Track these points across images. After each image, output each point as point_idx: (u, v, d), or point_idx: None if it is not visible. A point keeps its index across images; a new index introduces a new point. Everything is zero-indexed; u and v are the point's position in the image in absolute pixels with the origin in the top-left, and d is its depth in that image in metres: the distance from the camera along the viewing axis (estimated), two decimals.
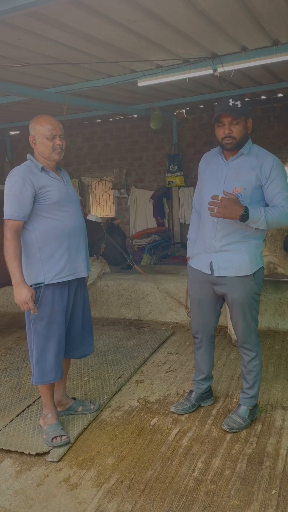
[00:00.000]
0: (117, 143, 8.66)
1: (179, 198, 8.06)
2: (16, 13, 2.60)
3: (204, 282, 2.55)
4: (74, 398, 2.86)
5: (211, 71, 4.11)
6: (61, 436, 2.50)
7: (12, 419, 2.80)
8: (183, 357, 3.67)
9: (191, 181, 7.92)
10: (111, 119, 8.50)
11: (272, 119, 7.34)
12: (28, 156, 2.49)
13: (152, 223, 8.42)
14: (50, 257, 2.42)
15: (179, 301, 4.51)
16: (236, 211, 2.22)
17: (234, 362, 3.49)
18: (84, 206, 9.00)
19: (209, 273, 2.49)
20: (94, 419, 2.76)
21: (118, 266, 4.75)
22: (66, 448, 2.47)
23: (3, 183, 2.47)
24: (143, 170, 8.56)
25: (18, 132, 9.13)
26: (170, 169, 7.85)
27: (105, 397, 3.03)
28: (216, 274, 2.46)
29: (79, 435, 2.61)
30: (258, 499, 2.04)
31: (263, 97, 7.19)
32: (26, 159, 2.48)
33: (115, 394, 3.08)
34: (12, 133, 9.26)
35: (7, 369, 3.61)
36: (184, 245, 7.63)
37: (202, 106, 7.54)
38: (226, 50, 3.95)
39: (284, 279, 4.35)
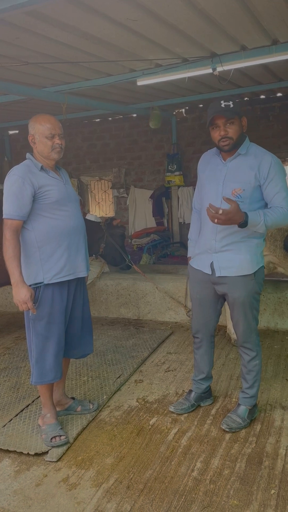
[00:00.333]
0: (116, 142, 8.65)
1: (178, 198, 8.05)
2: (15, 11, 2.58)
3: (205, 282, 2.55)
4: (73, 398, 2.86)
5: (210, 71, 4.10)
6: (60, 436, 2.50)
7: (11, 419, 2.79)
8: (182, 356, 3.66)
9: (190, 180, 7.91)
10: (110, 119, 8.49)
11: (272, 119, 7.34)
12: (27, 155, 2.48)
13: (151, 223, 8.41)
14: (49, 257, 2.41)
15: (178, 300, 4.51)
16: (236, 221, 2.22)
17: (233, 361, 3.48)
18: (83, 206, 8.99)
19: (210, 273, 2.49)
20: (93, 419, 2.76)
21: (117, 266, 4.74)
22: (65, 448, 2.47)
23: (2, 183, 2.46)
24: (142, 169, 8.55)
25: (17, 131, 9.12)
26: (169, 168, 7.84)
27: (104, 396, 3.02)
28: (217, 274, 2.46)
29: (78, 435, 2.60)
30: (257, 499, 2.03)
31: (262, 96, 7.19)
32: (25, 159, 2.47)
33: (114, 393, 3.08)
34: (11, 132, 9.25)
35: (6, 369, 3.61)
36: (183, 245, 7.63)
37: (201, 105, 7.54)
38: (226, 49, 3.94)
39: (284, 279, 4.35)
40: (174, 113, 7.87)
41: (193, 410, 2.79)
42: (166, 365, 3.53)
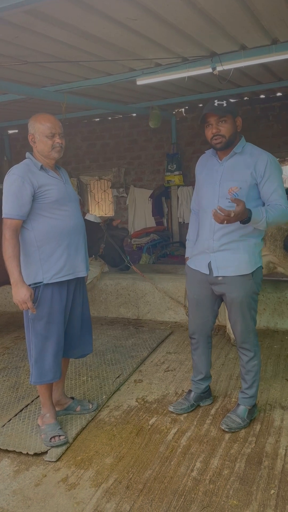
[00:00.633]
0: (116, 142, 8.64)
1: (178, 197, 8.05)
2: (14, 10, 2.58)
3: (202, 283, 2.55)
4: (72, 398, 2.86)
5: (210, 70, 4.09)
6: (59, 435, 2.50)
7: (10, 419, 2.79)
8: (181, 356, 3.66)
9: (190, 180, 7.91)
10: (110, 118, 8.49)
11: (271, 118, 7.33)
12: (27, 154, 2.47)
13: (151, 222, 8.41)
14: (49, 257, 2.41)
15: (178, 300, 4.50)
16: (242, 218, 2.20)
17: (232, 361, 3.48)
18: (83, 205, 8.98)
19: (208, 273, 2.48)
20: (92, 419, 2.76)
21: (116, 267, 4.72)
22: (64, 448, 2.47)
23: (1, 182, 2.46)
24: (142, 169, 8.55)
25: (16, 130, 9.11)
26: (169, 168, 7.84)
27: (104, 396, 3.02)
28: (215, 274, 2.45)
29: (78, 434, 2.60)
30: (257, 499, 2.03)
31: (262, 96, 7.19)
32: (24, 158, 2.47)
33: (113, 393, 3.08)
34: (10, 131, 9.24)
35: (5, 369, 3.60)
36: (182, 244, 7.62)
37: (201, 105, 7.52)
38: (225, 49, 3.93)
39: (283, 279, 4.35)
40: (174, 112, 7.87)
41: (192, 410, 2.79)
42: (166, 365, 3.52)
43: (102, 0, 2.72)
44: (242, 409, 2.61)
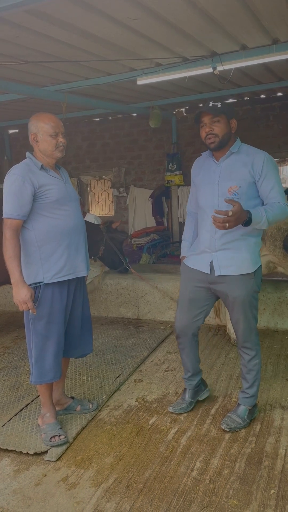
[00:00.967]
0: (116, 141, 8.64)
1: (178, 197, 8.05)
2: (15, 10, 2.58)
3: (200, 282, 2.55)
4: (72, 398, 2.86)
5: (210, 70, 4.09)
6: (60, 435, 2.50)
7: (10, 418, 2.79)
8: None
9: (190, 180, 7.90)
10: (110, 118, 8.49)
11: (272, 118, 7.33)
12: (27, 154, 2.47)
13: (151, 222, 8.41)
14: (49, 256, 2.41)
15: None
16: (242, 219, 2.21)
17: (233, 361, 3.48)
18: (83, 205, 8.98)
19: (209, 272, 2.48)
20: (92, 419, 2.76)
21: (115, 269, 4.72)
22: (64, 447, 2.47)
23: (2, 182, 2.45)
24: (142, 169, 8.55)
25: (17, 130, 9.11)
26: (169, 168, 7.84)
27: (104, 396, 3.02)
28: (217, 273, 2.45)
29: (78, 434, 2.60)
30: (257, 499, 2.03)
31: (262, 96, 7.18)
32: (25, 158, 2.47)
33: (113, 393, 3.08)
34: (11, 131, 9.24)
35: (5, 368, 3.60)
36: None
37: (201, 104, 7.52)
38: (226, 49, 3.94)
39: (284, 279, 4.35)
40: (174, 112, 7.87)
41: (192, 409, 2.79)
42: (166, 365, 3.53)
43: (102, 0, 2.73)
44: (242, 409, 2.61)
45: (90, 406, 2.82)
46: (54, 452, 2.42)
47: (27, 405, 2.95)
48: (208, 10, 3.05)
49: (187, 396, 2.81)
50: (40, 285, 2.41)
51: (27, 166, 2.38)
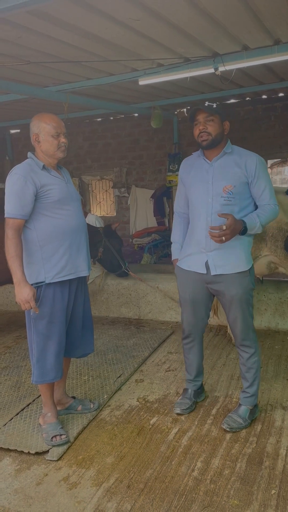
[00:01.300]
0: (118, 142, 8.65)
1: None
2: (17, 10, 2.58)
3: (197, 282, 2.56)
4: (73, 397, 2.86)
5: (212, 70, 4.09)
6: (61, 435, 2.50)
7: (12, 418, 2.80)
8: (183, 356, 3.65)
9: None
10: (111, 118, 8.49)
11: (273, 119, 7.33)
12: (29, 154, 2.48)
13: (152, 222, 8.41)
14: (51, 256, 2.41)
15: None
16: (238, 230, 2.31)
17: (234, 361, 3.48)
18: (84, 205, 8.99)
19: (205, 272, 2.50)
20: (93, 418, 2.76)
21: (114, 272, 4.71)
22: (65, 447, 2.47)
23: (4, 182, 2.46)
24: (144, 169, 8.55)
25: (18, 130, 9.11)
26: (171, 168, 7.84)
27: (105, 396, 3.03)
28: (212, 272, 2.47)
29: (79, 434, 2.60)
30: (258, 499, 2.03)
31: (264, 96, 7.18)
32: (26, 158, 2.47)
33: (114, 393, 3.08)
34: (12, 131, 9.25)
35: (7, 368, 3.61)
36: None
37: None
38: (228, 49, 3.93)
39: (285, 279, 4.35)
40: (176, 112, 7.87)
41: (193, 410, 2.80)
42: (167, 365, 3.53)
43: (104, 0, 2.73)
44: (243, 409, 2.62)
45: (91, 406, 2.83)
46: (55, 452, 2.43)
47: (28, 405, 2.96)
48: (210, 11, 3.05)
49: (191, 395, 2.82)
50: (42, 285, 2.42)
51: (29, 166, 2.39)
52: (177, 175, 7.77)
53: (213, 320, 4.28)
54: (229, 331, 3.94)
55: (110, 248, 4.49)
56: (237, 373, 3.27)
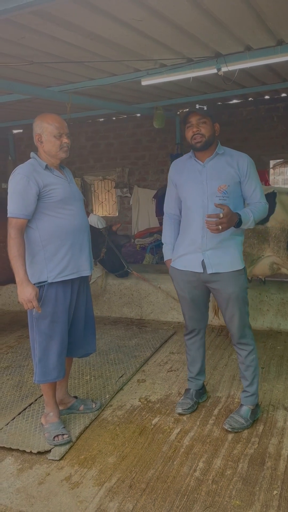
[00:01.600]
0: (120, 142, 8.65)
1: None
2: (21, 11, 2.59)
3: (194, 281, 2.60)
4: (75, 397, 2.87)
5: (215, 71, 4.09)
6: (63, 434, 2.51)
7: (14, 417, 2.80)
8: (184, 356, 3.65)
9: None
10: (114, 118, 8.50)
11: (276, 119, 7.32)
12: (32, 154, 2.49)
13: (154, 222, 8.41)
14: (53, 256, 2.42)
15: None
16: (233, 221, 2.36)
17: (236, 362, 3.47)
18: (87, 205, 9.00)
19: (201, 271, 2.53)
20: (95, 418, 2.76)
21: (115, 273, 4.71)
22: (67, 446, 2.48)
23: (6, 182, 2.47)
24: (146, 169, 8.56)
25: (21, 130, 9.13)
26: None
27: (107, 396, 3.03)
28: (209, 271, 2.51)
29: (81, 434, 2.61)
30: (260, 500, 2.03)
31: (266, 97, 7.18)
32: (29, 158, 2.48)
33: (116, 393, 3.09)
34: (15, 131, 9.26)
35: (9, 367, 3.61)
36: None
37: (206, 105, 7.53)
38: (230, 50, 3.93)
39: (287, 280, 4.35)
40: (178, 113, 7.87)
41: (195, 410, 2.80)
42: (169, 365, 3.53)
43: (107, 0, 2.73)
44: (245, 409, 2.62)
45: (93, 406, 2.83)
46: (57, 451, 2.43)
47: (30, 404, 2.96)
48: (213, 11, 3.06)
49: (193, 395, 2.83)
50: (44, 284, 2.42)
51: (31, 166, 2.40)
52: None
53: (215, 321, 4.28)
54: None
55: (113, 249, 4.49)
56: (239, 373, 3.26)
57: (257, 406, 2.67)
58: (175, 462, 2.32)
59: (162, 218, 2.84)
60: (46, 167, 2.43)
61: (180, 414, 2.76)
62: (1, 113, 6.74)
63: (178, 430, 2.61)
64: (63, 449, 2.46)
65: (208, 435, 2.54)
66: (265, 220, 3.49)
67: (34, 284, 2.38)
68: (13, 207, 2.32)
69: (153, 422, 2.71)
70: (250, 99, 7.27)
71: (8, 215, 2.33)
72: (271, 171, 7.87)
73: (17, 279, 2.30)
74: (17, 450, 2.49)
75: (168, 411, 2.82)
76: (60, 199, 2.41)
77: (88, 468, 2.31)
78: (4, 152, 9.32)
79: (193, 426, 2.64)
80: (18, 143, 9.39)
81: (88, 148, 8.95)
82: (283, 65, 4.55)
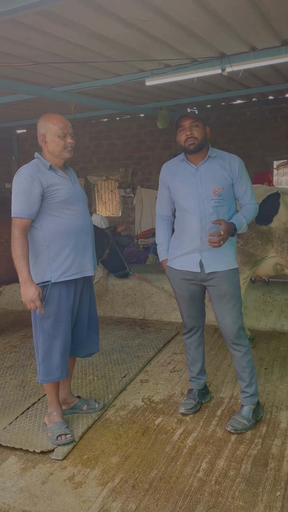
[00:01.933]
0: (124, 142, 8.66)
1: None
2: (26, 11, 2.59)
3: (191, 280, 2.63)
4: (79, 397, 2.87)
5: (219, 71, 4.08)
6: (66, 434, 2.51)
7: (17, 417, 2.81)
8: None
9: None
10: (118, 118, 8.50)
11: (280, 120, 7.30)
12: (36, 154, 2.49)
13: None
14: (57, 256, 2.42)
15: None
16: (231, 231, 2.43)
17: None
18: (90, 205, 9.01)
19: (199, 271, 2.56)
20: (98, 418, 2.77)
21: (116, 273, 4.70)
22: (70, 446, 2.48)
23: (10, 182, 2.47)
24: (149, 169, 8.55)
25: (25, 130, 9.14)
26: None
27: (110, 396, 3.03)
28: (207, 270, 2.55)
29: (84, 433, 2.61)
30: (263, 501, 2.03)
31: (270, 97, 7.16)
32: (33, 158, 2.49)
33: (119, 393, 3.09)
34: (19, 131, 9.27)
35: (12, 367, 3.62)
36: None
37: (209, 106, 7.52)
38: (235, 50, 3.93)
39: None
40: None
41: (198, 410, 2.80)
42: (172, 365, 3.53)
43: (113, 1, 2.73)
44: (246, 409, 2.62)
45: (96, 406, 2.83)
46: (60, 451, 2.44)
47: (33, 404, 2.97)
48: (217, 11, 3.05)
49: (196, 395, 2.84)
50: (48, 284, 2.43)
51: (35, 166, 2.40)
52: None
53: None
54: None
55: (117, 250, 4.50)
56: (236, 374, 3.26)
57: (258, 405, 2.67)
58: (178, 463, 2.32)
59: None
60: (50, 168, 2.43)
61: (183, 414, 2.76)
62: (5, 113, 6.75)
63: (181, 430, 2.61)
64: (66, 448, 2.46)
65: (211, 436, 2.54)
66: (268, 221, 3.49)
67: (38, 284, 2.38)
68: (17, 207, 2.33)
69: (156, 422, 2.71)
70: (254, 99, 7.26)
71: (12, 215, 2.33)
72: (275, 171, 7.85)
73: (20, 279, 2.31)
74: (20, 449, 2.49)
75: (171, 412, 2.81)
76: (64, 200, 2.42)
77: (91, 468, 2.32)
78: (8, 152, 9.33)
79: (196, 427, 2.64)
80: (22, 143, 9.40)
81: (92, 148, 8.95)
82: (287, 65, 4.54)
